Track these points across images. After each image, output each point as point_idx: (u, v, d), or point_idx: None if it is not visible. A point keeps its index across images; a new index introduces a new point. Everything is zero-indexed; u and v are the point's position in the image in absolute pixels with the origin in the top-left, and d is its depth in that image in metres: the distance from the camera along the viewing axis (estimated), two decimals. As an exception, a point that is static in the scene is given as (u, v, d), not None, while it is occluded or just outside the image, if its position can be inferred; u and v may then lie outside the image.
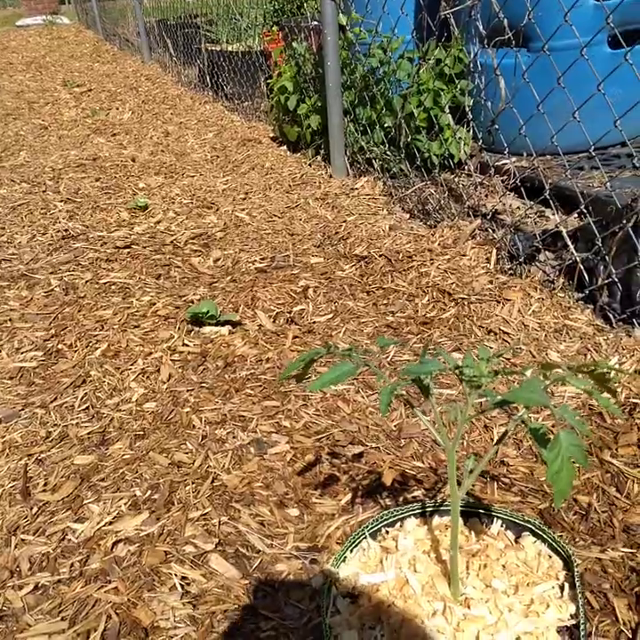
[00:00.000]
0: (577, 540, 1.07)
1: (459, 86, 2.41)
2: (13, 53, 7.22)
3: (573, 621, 0.76)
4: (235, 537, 1.13)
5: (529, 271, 1.87)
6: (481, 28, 2.00)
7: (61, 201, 2.73)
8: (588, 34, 1.73)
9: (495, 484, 1.20)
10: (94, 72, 5.79)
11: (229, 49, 4.44)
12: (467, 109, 2.25)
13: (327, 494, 1.21)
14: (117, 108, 4.37)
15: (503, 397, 0.60)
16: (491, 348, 1.61)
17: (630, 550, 1.04)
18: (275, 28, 3.68)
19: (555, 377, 0.68)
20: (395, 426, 1.38)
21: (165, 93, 4.73)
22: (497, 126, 2.09)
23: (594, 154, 1.68)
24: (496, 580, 0.80)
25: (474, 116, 2.30)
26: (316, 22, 3.24)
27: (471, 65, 2.39)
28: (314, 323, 1.78)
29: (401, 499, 1.18)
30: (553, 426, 1.32)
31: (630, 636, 0.90)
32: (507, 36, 1.88)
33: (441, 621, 0.75)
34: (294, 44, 3.01)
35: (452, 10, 2.20)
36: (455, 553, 0.75)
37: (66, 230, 2.44)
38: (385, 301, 1.85)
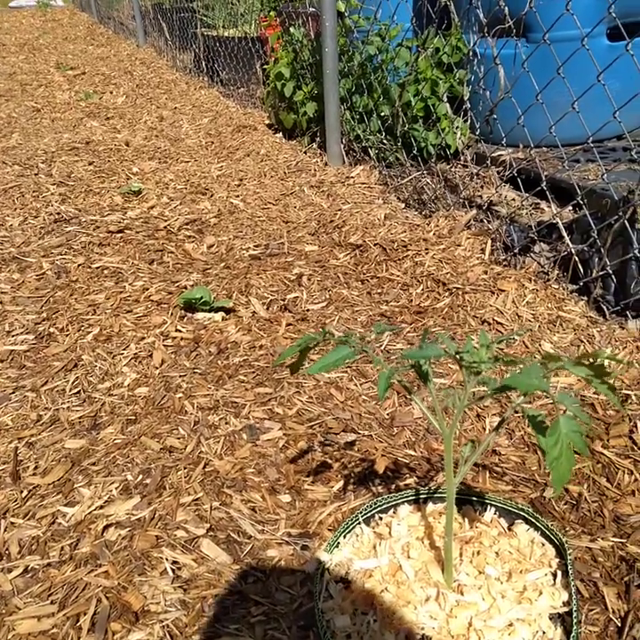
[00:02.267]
0: (567, 529, 1.08)
1: (457, 76, 2.39)
2: (6, 35, 7.12)
3: (566, 609, 0.76)
4: (226, 522, 1.13)
5: (523, 262, 1.87)
6: (481, 16, 1.99)
7: (54, 184, 2.70)
8: (586, 25, 1.72)
9: (487, 473, 1.20)
10: (88, 55, 5.71)
11: (225, 34, 4.39)
12: (465, 99, 2.23)
13: (319, 481, 1.21)
14: (111, 92, 4.32)
15: (503, 383, 0.59)
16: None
17: (620, 540, 1.05)
18: (272, 14, 3.64)
19: (553, 365, 0.68)
20: (387, 414, 1.37)
21: (160, 78, 4.68)
22: (495, 116, 2.08)
23: (591, 146, 1.68)
24: (489, 567, 0.80)
25: (471, 106, 2.29)
26: (313, 8, 3.20)
27: (470, 54, 2.37)
28: (307, 310, 1.77)
29: (393, 486, 1.18)
30: (546, 416, 1.33)
31: (619, 625, 0.91)
32: (507, 25, 1.87)
33: (434, 607, 0.75)
34: (292, 30, 2.98)
35: (453, -3, 2.18)
36: (449, 539, 0.75)
37: (58, 214, 2.41)
38: (379, 290, 1.84)
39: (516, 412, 1.31)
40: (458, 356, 0.64)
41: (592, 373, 0.68)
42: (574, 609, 0.74)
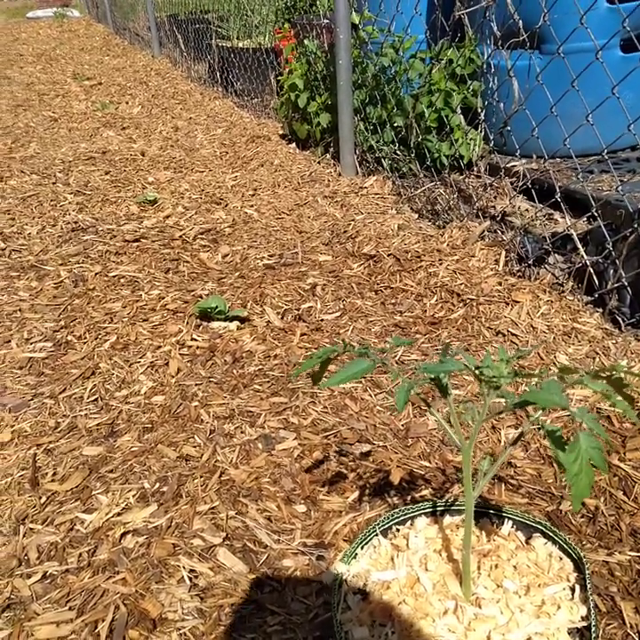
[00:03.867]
0: (584, 542, 1.07)
1: (471, 87, 2.40)
2: (24, 45, 7.23)
3: (584, 623, 0.76)
4: (242, 531, 1.13)
5: (538, 273, 1.87)
6: (495, 28, 2.00)
7: (71, 193, 2.73)
8: (600, 37, 1.73)
9: (503, 485, 1.20)
10: (104, 65, 5.79)
11: (240, 45, 4.43)
12: (478, 110, 2.24)
13: (334, 491, 1.21)
14: (127, 102, 4.38)
15: (522, 398, 0.60)
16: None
17: (637, 554, 1.04)
18: (286, 26, 3.67)
19: (571, 380, 0.68)
20: (402, 425, 1.38)
21: (175, 88, 4.73)
22: (509, 128, 2.09)
23: (605, 157, 1.68)
24: (507, 581, 0.80)
25: (485, 118, 2.30)
26: (327, 20, 3.23)
27: (484, 66, 2.39)
28: (322, 320, 1.78)
29: (408, 498, 1.18)
30: (562, 428, 1.32)
31: (637, 640, 0.91)
32: (521, 38, 1.88)
33: (452, 620, 0.76)
34: (306, 42, 3.01)
35: (467, 10, 2.20)
36: (467, 552, 0.76)
37: (75, 222, 2.44)
38: (393, 301, 1.85)
39: (532, 425, 1.30)
40: (477, 371, 0.65)
41: (610, 387, 0.68)
42: (593, 624, 0.74)
